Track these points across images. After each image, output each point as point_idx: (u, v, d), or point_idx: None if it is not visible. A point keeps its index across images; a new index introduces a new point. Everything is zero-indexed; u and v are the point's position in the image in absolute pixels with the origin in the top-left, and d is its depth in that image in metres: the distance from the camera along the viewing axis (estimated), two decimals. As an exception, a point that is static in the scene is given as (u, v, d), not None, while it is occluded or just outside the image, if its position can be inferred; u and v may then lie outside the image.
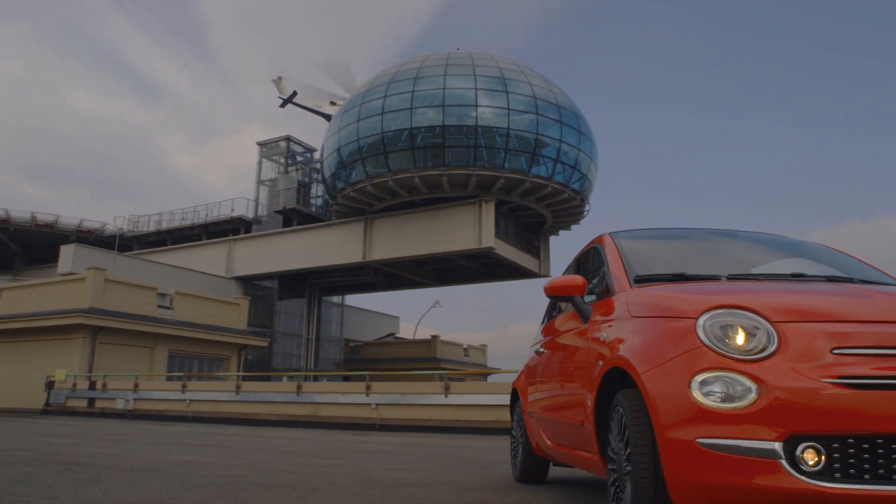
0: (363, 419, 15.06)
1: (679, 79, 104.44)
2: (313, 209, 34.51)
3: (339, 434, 13.32)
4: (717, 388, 2.06)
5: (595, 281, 3.45)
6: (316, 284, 35.38)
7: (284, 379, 30.89)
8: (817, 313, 2.20)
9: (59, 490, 3.74)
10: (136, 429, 13.13)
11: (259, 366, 32.09)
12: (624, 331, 2.62)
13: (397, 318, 47.65)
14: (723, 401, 2.04)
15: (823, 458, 1.92)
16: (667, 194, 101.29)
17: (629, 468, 2.34)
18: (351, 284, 36.48)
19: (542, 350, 4.08)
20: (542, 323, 4.84)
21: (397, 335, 46.68)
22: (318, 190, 35.42)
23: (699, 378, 2.10)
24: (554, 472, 5.22)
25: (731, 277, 2.88)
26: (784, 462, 1.92)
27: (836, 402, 1.94)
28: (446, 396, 14.34)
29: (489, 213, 28.68)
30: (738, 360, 2.08)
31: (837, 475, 1.91)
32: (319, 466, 5.72)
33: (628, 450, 2.36)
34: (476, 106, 27.69)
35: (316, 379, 31.72)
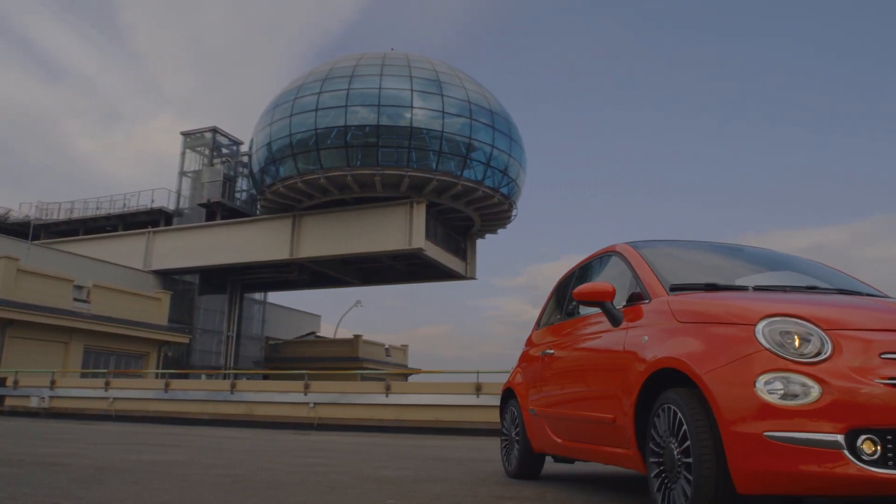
0: (301, 419, 14.91)
1: (604, 76, 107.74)
2: (238, 203, 33.67)
3: (280, 434, 13.12)
4: (779, 387, 2.32)
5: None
6: (238, 280, 34.52)
7: (203, 377, 30.00)
8: (859, 323, 2.50)
9: (72, 490, 3.65)
10: (63, 428, 12.52)
11: (177, 363, 30.99)
12: (672, 335, 2.86)
13: (318, 316, 47.15)
14: (786, 398, 2.30)
15: (879, 448, 2.21)
16: (589, 192, 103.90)
17: (686, 460, 2.57)
18: (275, 281, 35.82)
19: (549, 352, 4.29)
20: (537, 327, 5.06)
21: (318, 334, 46.16)
22: (243, 184, 34.58)
23: (763, 378, 2.35)
24: (545, 468, 5.45)
25: (757, 288, 3.18)
26: (846, 452, 2.20)
27: (888, 400, 2.23)
28: (387, 396, 14.41)
29: (420, 214, 28.88)
30: (797, 363, 2.35)
31: (891, 462, 2.21)
32: (305, 465, 5.73)
33: (686, 443, 2.59)
34: (411, 107, 27.84)
35: (236, 377, 30.94)
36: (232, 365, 33.47)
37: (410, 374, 40.67)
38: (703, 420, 2.52)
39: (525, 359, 4.93)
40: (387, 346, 44.44)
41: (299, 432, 14.14)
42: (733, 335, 2.54)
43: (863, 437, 2.22)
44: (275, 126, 28.72)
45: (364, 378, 28.13)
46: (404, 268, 34.78)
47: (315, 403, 14.84)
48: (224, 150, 35.39)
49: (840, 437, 2.22)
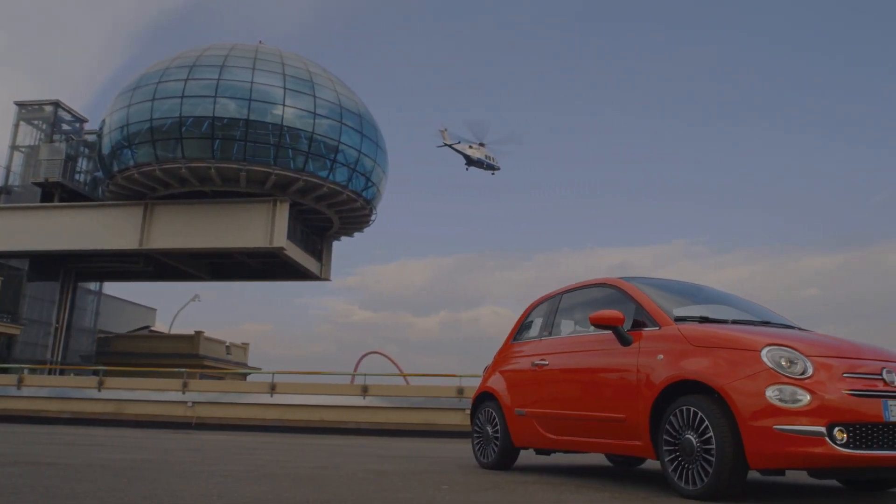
0: (178, 418, 14.64)
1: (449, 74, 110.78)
2: (79, 185, 31.25)
3: (162, 433, 12.84)
4: (781, 395, 3.44)
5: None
6: (74, 268, 31.98)
7: (26, 372, 27.46)
8: (823, 352, 3.70)
9: (121, 486, 3.99)
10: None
11: (-4, 356, 28.15)
12: (687, 355, 3.91)
13: (154, 310, 44.62)
14: (787, 403, 3.43)
15: (846, 435, 3.40)
16: (428, 195, 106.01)
17: (707, 447, 3.61)
18: (116, 271, 33.57)
19: (543, 363, 5.21)
20: (516, 338, 5.97)
21: (153, 328, 43.71)
22: (85, 164, 32.15)
23: (770, 389, 3.46)
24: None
25: (735, 321, 4.35)
26: (827, 438, 3.36)
27: (852, 405, 3.44)
28: (272, 396, 14.60)
29: (283, 213, 28.68)
30: (791, 378, 3.50)
31: (852, 445, 3.39)
32: (287, 463, 6.18)
33: (706, 435, 3.62)
34: (283, 105, 27.66)
35: (62, 373, 28.70)
36: (60, 359, 30.95)
37: (250, 374, 39.99)
38: (723, 418, 3.59)
39: (506, 367, 5.80)
40: (227, 344, 43.11)
41: (177, 432, 13.87)
42: (744, 357, 3.63)
43: (837, 428, 3.39)
44: (133, 109, 27.16)
45: (203, 377, 27.40)
46: (258, 265, 34.19)
47: (194, 402, 14.64)
48: (65, 127, 32.64)
49: (823, 429, 3.37)
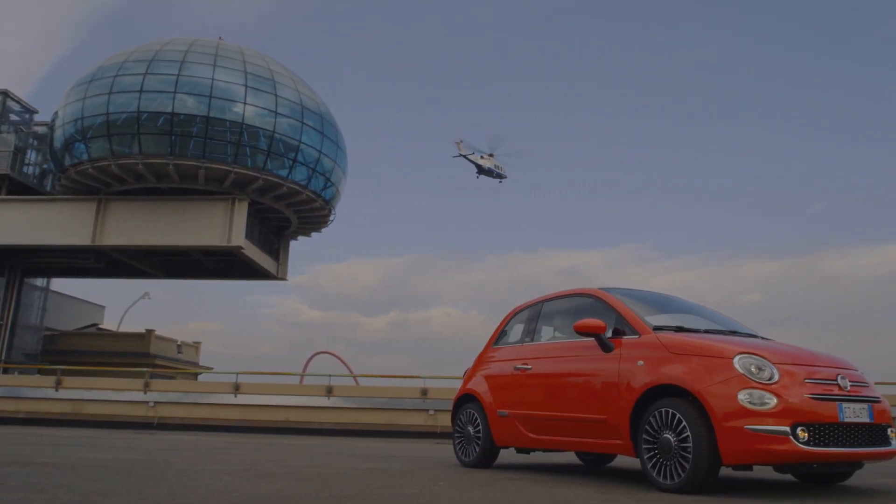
0: (139, 418, 14.53)
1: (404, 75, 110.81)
2: (28, 178, 30.36)
3: (125, 433, 12.74)
4: (752, 398, 3.84)
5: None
6: (21, 263, 31.04)
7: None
8: (786, 360, 4.12)
9: (135, 485, 4.17)
10: None
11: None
12: (666, 362, 4.29)
13: (103, 307, 43.51)
14: (756, 405, 3.83)
15: (807, 434, 3.82)
16: (382, 194, 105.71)
17: (684, 445, 3.99)
18: (66, 268, 32.69)
19: (525, 367, 5.55)
20: (497, 343, 6.30)
21: (101, 326, 42.65)
22: (34, 157, 31.25)
23: (743, 392, 3.86)
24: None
25: (707, 331, 4.75)
26: (791, 437, 3.77)
27: (813, 407, 3.86)
28: (236, 396, 14.61)
29: (242, 212, 28.43)
30: (760, 383, 3.90)
31: (812, 443, 3.81)
32: (273, 463, 6.36)
33: (684, 434, 4.00)
34: (244, 103, 27.44)
35: (6, 371, 27.88)
36: (4, 357, 30.00)
37: (200, 373, 39.39)
38: (699, 419, 3.98)
39: (488, 371, 6.12)
40: (179, 343, 42.41)
41: (138, 432, 13.77)
42: (717, 364, 4.03)
43: (799, 428, 3.82)
44: (89, 101, 26.54)
45: (154, 376, 26.98)
46: (214, 264, 33.78)
47: (156, 402, 14.55)
48: (13, 118, 31.63)
49: (788, 428, 3.79)
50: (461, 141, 48.54)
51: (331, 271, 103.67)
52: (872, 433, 4.10)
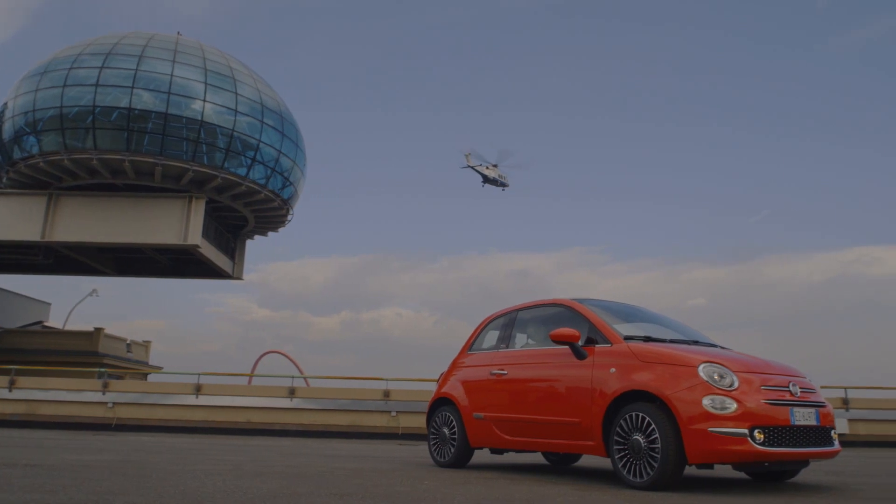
0: (96, 419, 14.35)
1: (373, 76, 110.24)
2: (-27, 172, 29.37)
3: (83, 435, 12.60)
4: (714, 403, 4.23)
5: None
6: (-36, 259, 30.02)
7: None
8: (745, 368, 4.53)
9: (137, 486, 4.33)
10: None
11: None
12: (637, 369, 4.65)
13: (48, 304, 42.28)
14: (718, 410, 4.22)
15: (764, 436, 4.22)
16: (337, 196, 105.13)
17: (653, 446, 4.36)
18: (12, 263, 31.74)
19: (501, 373, 5.87)
20: (472, 349, 6.60)
21: (46, 324, 41.44)
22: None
23: (706, 398, 4.25)
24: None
25: (672, 341, 5.15)
26: (749, 438, 4.17)
27: (769, 412, 4.27)
28: (197, 397, 14.57)
29: (199, 210, 28.13)
30: (721, 390, 4.29)
31: (767, 443, 4.22)
32: (256, 463, 6.52)
33: (653, 436, 4.37)
34: (203, 100, 27.17)
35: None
36: (-56, 355, 28.96)
37: (150, 373, 38.73)
38: (667, 421, 4.35)
39: (464, 375, 6.42)
40: (128, 342, 41.51)
41: (97, 433, 13.60)
42: (683, 372, 4.41)
43: (756, 430, 4.22)
44: (41, 94, 25.90)
45: (102, 375, 26.48)
46: (168, 262, 33.29)
47: (114, 403, 14.40)
48: (-41, 108, 30.53)
49: (746, 431, 4.19)
50: (470, 153, 51.73)
51: (282, 270, 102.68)
52: (819, 435, 4.56)
